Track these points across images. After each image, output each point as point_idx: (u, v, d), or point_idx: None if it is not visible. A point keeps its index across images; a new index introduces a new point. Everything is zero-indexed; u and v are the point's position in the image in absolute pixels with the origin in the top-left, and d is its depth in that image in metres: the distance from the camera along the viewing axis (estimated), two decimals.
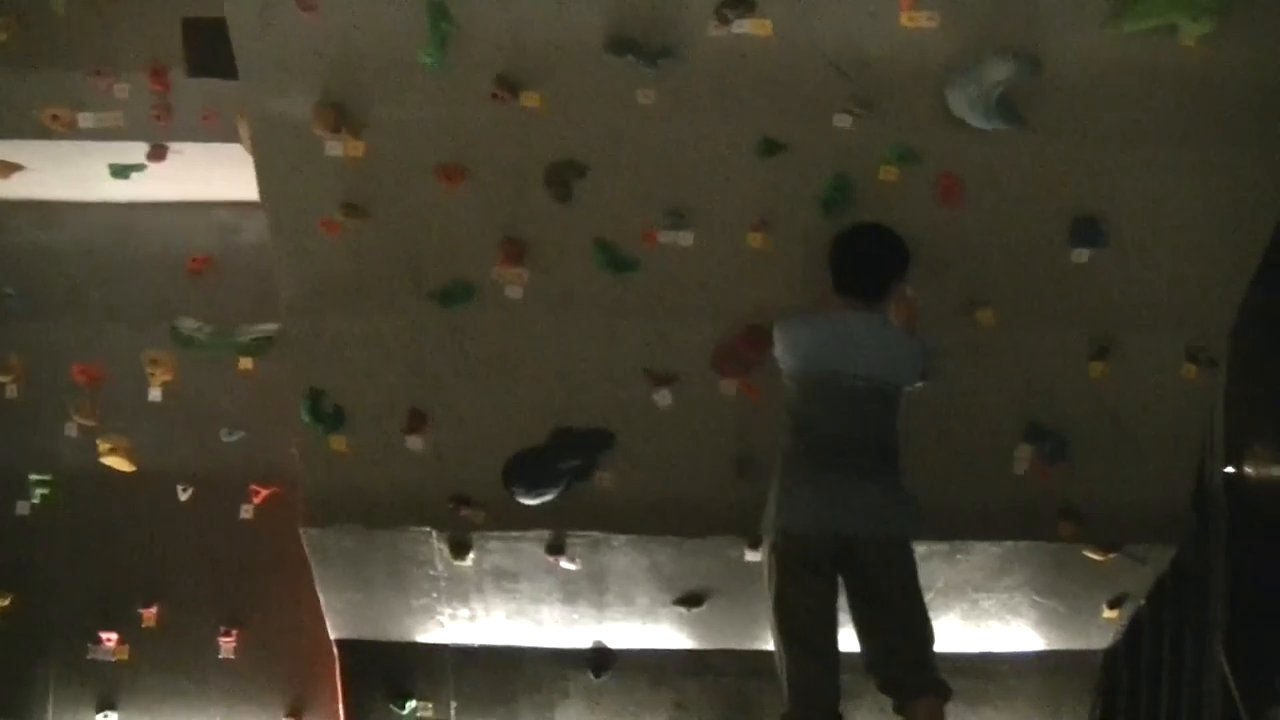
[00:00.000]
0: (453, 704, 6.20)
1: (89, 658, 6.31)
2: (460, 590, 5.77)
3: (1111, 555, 5.51)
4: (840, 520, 4.43)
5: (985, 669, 6.14)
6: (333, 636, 6.04)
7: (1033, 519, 5.45)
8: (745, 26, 4.53)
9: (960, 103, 4.58)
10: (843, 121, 4.67)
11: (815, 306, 4.80)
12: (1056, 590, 5.80)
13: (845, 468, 4.44)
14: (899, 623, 4.52)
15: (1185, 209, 4.92)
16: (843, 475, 4.45)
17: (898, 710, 4.51)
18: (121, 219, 6.21)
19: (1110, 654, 6.19)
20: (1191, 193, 4.90)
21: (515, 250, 4.89)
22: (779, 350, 4.71)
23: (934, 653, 4.51)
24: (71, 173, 5.72)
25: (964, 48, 4.53)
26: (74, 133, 5.31)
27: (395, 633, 6.01)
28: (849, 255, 4.65)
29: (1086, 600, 5.85)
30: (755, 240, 4.86)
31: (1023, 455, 5.29)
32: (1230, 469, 6.40)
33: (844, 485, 4.45)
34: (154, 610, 6.29)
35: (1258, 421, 6.45)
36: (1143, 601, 5.98)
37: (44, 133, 5.32)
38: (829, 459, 4.46)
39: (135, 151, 5.44)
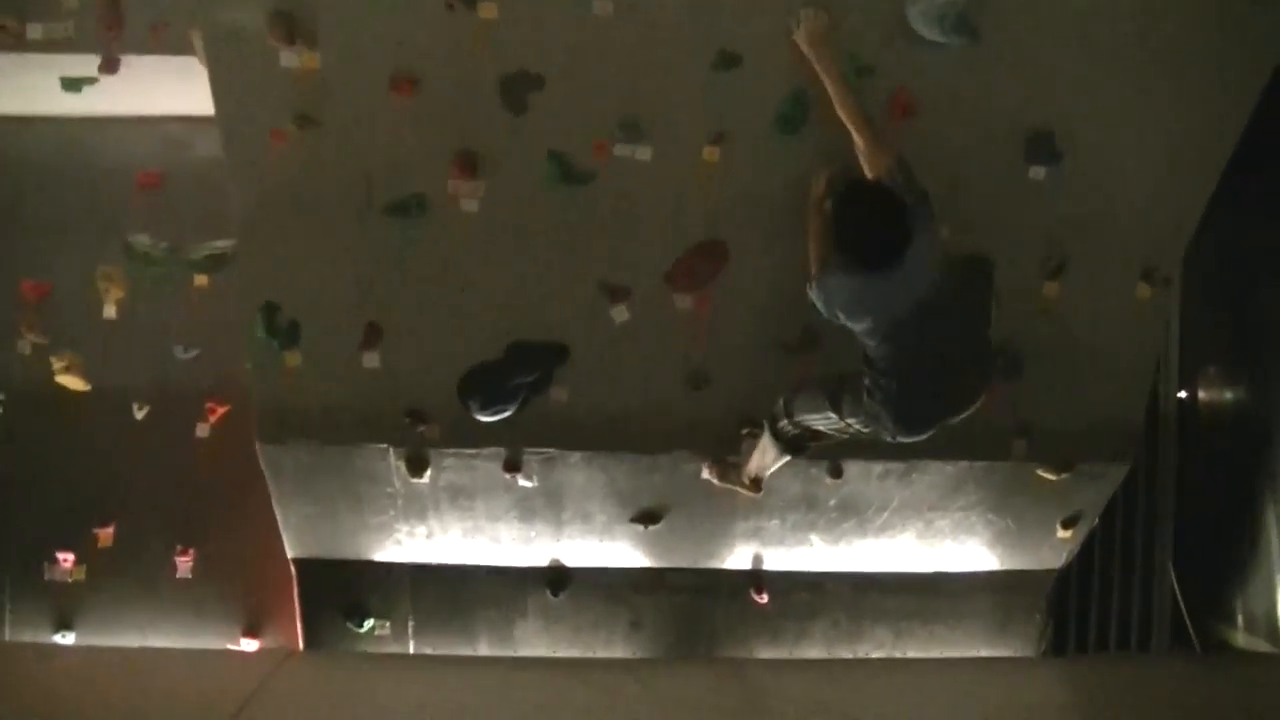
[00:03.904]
0: (410, 622, 6.24)
1: (45, 578, 6.31)
2: (417, 508, 5.79)
3: (1064, 475, 5.56)
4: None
5: (938, 587, 6.24)
6: (289, 555, 6.07)
7: (987, 438, 5.47)
8: None
9: (918, 17, 4.55)
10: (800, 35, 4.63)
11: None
12: (1010, 509, 5.87)
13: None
14: None
15: (1142, 128, 4.90)
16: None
17: None
18: (69, 133, 6.07)
19: (1063, 573, 6.26)
20: (1149, 112, 4.87)
21: (469, 163, 4.84)
22: (828, 314, 4.48)
23: None
24: (18, 86, 5.60)
25: None
26: (21, 44, 5.18)
27: (352, 551, 6.03)
28: (850, 232, 4.32)
29: (1040, 519, 5.92)
30: (711, 154, 4.83)
31: None
32: (1183, 393, 6.47)
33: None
34: (110, 530, 6.24)
35: (1212, 346, 6.51)
36: (1096, 522, 6.04)
37: None
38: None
39: (84, 64, 5.31)
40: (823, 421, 4.75)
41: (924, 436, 4.59)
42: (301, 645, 6.31)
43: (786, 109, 4.75)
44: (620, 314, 5.11)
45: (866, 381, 4.46)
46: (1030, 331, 5.25)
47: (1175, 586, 6.35)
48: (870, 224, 4.24)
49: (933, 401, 4.48)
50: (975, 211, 4.97)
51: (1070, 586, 6.42)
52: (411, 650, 6.31)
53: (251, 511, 6.04)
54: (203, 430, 5.95)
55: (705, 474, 5.46)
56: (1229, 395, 6.50)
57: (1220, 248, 5.92)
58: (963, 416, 4.57)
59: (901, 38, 4.63)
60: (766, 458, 5.08)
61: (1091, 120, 4.87)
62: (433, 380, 5.24)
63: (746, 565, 6.12)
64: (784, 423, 4.89)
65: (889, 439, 4.58)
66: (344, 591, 6.19)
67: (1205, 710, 5.24)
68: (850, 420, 4.63)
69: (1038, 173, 4.91)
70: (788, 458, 5.01)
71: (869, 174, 4.35)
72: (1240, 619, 6.23)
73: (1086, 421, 5.48)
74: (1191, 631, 6.30)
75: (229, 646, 6.42)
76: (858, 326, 4.38)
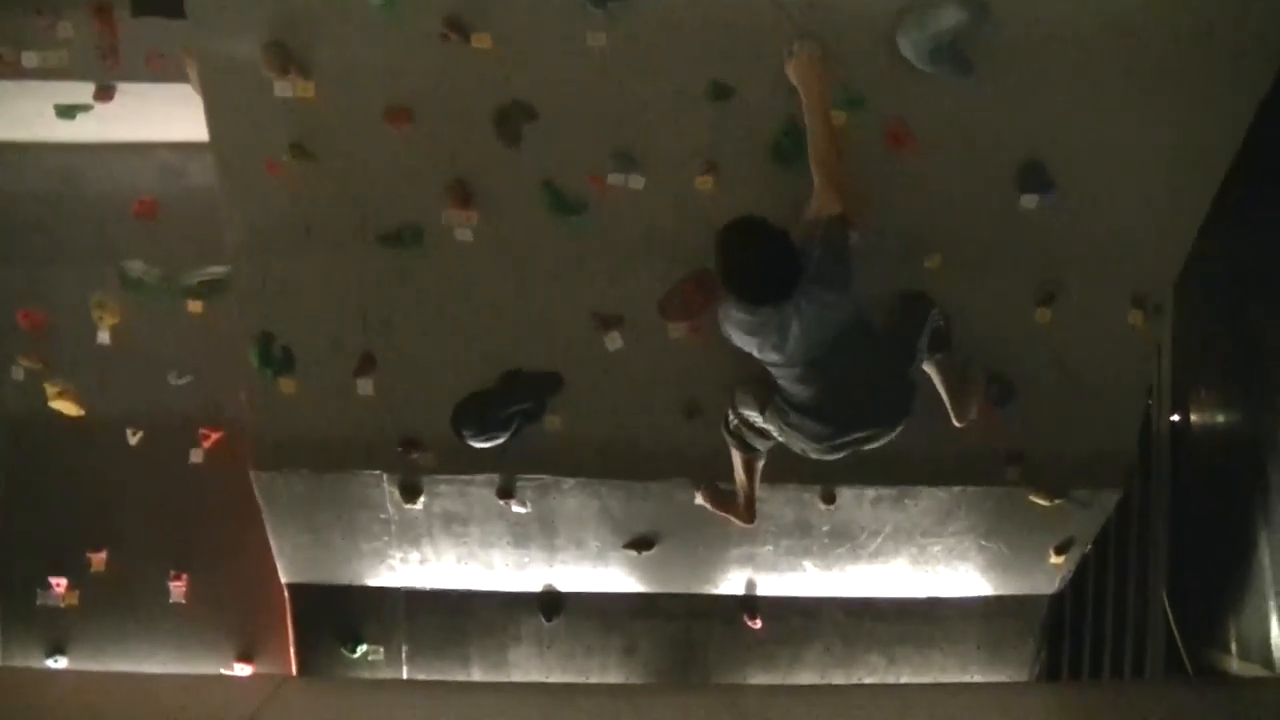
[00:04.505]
0: (403, 648, 6.24)
1: (38, 603, 6.32)
2: (411, 534, 5.79)
3: (1057, 500, 5.57)
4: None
5: (932, 613, 6.24)
6: (283, 580, 6.07)
7: (980, 465, 5.51)
8: None
9: (909, 47, 4.56)
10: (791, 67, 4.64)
11: None
12: (1003, 535, 5.86)
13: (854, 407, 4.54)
14: None
15: (1133, 157, 4.92)
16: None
17: None
18: (64, 161, 6.10)
19: (1056, 599, 6.27)
20: (1140, 141, 4.89)
21: (463, 193, 4.85)
22: (724, 335, 4.65)
23: None
24: (13, 113, 5.61)
25: None
26: (17, 72, 5.19)
27: (346, 576, 6.03)
28: (727, 263, 4.40)
29: (1033, 545, 5.92)
30: (704, 184, 4.84)
31: None
32: (1176, 417, 6.48)
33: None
34: (103, 555, 6.28)
35: (1204, 371, 6.52)
36: (1089, 547, 6.05)
37: None
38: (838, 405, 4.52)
39: (80, 91, 5.34)
40: (755, 418, 4.80)
41: (839, 458, 4.69)
42: (295, 670, 6.32)
43: (780, 139, 4.77)
44: (614, 342, 5.12)
45: (778, 400, 4.59)
46: (1022, 358, 5.26)
47: (1168, 611, 6.36)
48: (752, 260, 4.33)
49: (839, 433, 4.56)
50: (967, 240, 5.00)
51: (1064, 612, 6.43)
52: (405, 675, 6.31)
53: (245, 537, 6.05)
54: (196, 456, 5.96)
55: (699, 500, 5.47)
56: (1222, 418, 6.51)
57: (1213, 267, 5.94)
58: (879, 445, 4.65)
59: (893, 67, 4.64)
60: (736, 463, 5.12)
61: (1083, 149, 4.89)
62: (427, 408, 5.24)
63: (740, 591, 6.12)
64: (729, 413, 4.96)
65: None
66: (338, 617, 6.20)
67: None
68: (770, 428, 4.73)
69: (1029, 201, 4.92)
70: (742, 454, 5.04)
71: (809, 213, 4.42)
72: (1234, 644, 6.23)
73: (1079, 447, 5.49)
74: (1185, 657, 6.30)
75: (223, 672, 6.42)
76: (756, 355, 4.53)
